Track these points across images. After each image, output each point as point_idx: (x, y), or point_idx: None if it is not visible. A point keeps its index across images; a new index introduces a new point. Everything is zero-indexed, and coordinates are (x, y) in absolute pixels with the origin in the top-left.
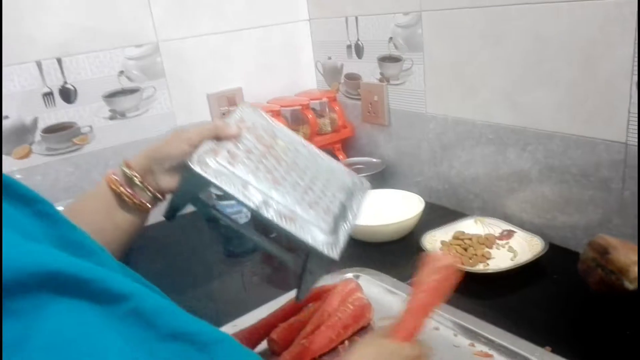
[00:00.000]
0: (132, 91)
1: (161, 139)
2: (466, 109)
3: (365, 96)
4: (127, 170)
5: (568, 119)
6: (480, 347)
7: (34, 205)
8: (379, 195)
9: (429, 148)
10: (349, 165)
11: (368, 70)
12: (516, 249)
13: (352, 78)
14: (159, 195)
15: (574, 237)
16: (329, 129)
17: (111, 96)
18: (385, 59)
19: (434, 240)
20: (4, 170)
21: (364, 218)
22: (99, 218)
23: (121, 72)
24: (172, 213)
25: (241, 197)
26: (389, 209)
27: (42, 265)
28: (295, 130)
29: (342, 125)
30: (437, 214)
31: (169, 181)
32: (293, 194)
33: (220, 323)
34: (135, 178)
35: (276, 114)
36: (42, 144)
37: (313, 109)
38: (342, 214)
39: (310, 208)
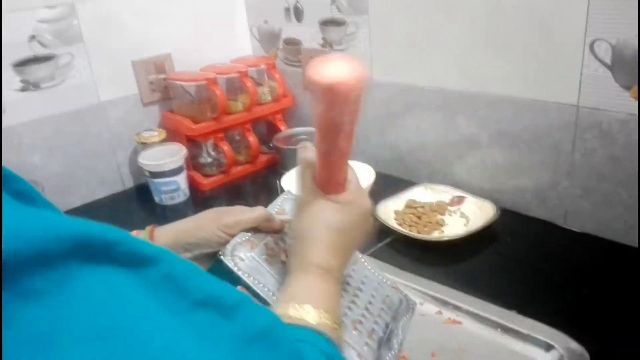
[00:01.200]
0: (46, 59)
1: (195, 218)
2: (414, 75)
3: (307, 63)
4: None
5: (519, 84)
6: (448, 314)
7: (11, 184)
8: None
9: (375, 116)
10: (291, 135)
11: (309, 35)
12: (468, 214)
13: (292, 43)
14: None
15: (524, 200)
16: (269, 98)
17: (22, 65)
18: (328, 23)
19: (387, 209)
20: None
21: None
22: None
23: (32, 37)
24: None
25: (275, 304)
26: None
27: (66, 231)
28: (233, 100)
29: (282, 94)
30: (386, 183)
31: None
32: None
33: None
34: None
35: (212, 82)
36: None
37: (251, 77)
38: (387, 339)
39: (353, 328)
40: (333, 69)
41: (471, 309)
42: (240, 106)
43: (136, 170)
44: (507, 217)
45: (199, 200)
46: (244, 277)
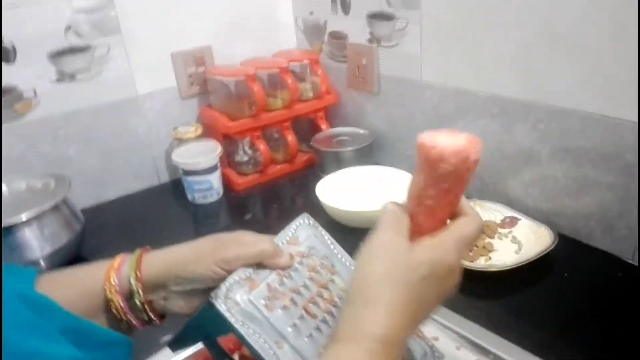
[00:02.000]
0: (82, 50)
1: (191, 246)
2: (468, 77)
3: (352, 59)
4: (132, 282)
5: (589, 95)
6: None
7: None
8: (364, 172)
9: (424, 120)
10: (332, 136)
11: (356, 29)
12: (520, 239)
13: (338, 37)
14: (155, 320)
15: (587, 227)
16: (310, 95)
17: (57, 55)
18: (376, 17)
19: None
20: None
21: (346, 200)
22: (71, 307)
23: (68, 28)
24: (178, 344)
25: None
26: (375, 189)
27: None
28: (273, 96)
29: (325, 91)
30: None
31: (182, 306)
32: None
33: None
34: (137, 295)
35: (250, 78)
36: None
37: (292, 72)
38: None
39: None
40: (458, 141)
41: None
42: (279, 103)
43: (172, 164)
44: (565, 245)
45: (233, 200)
46: (237, 326)
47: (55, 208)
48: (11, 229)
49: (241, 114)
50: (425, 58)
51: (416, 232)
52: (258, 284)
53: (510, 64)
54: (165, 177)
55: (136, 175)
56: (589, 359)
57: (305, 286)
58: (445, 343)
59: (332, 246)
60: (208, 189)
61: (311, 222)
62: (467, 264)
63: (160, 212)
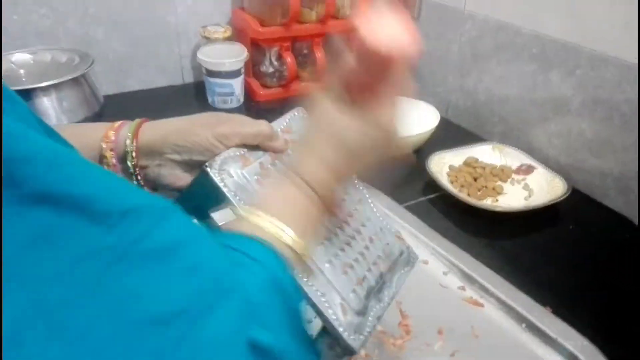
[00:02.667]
0: None
1: (191, 117)
2: (513, 11)
3: None
4: (127, 143)
5: (631, 43)
6: (472, 293)
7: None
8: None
9: (459, 54)
10: None
11: None
12: (533, 187)
13: None
14: (145, 189)
15: (602, 185)
16: (347, 12)
17: None
18: None
19: (442, 162)
20: None
21: None
22: None
23: None
24: None
25: None
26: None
27: None
28: (309, 8)
29: (362, 9)
30: (451, 133)
31: (177, 178)
32: (326, 245)
33: None
34: (129, 157)
35: None
36: None
37: None
38: (377, 290)
39: (343, 272)
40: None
41: (499, 293)
42: (314, 16)
43: (197, 65)
44: (577, 199)
45: (252, 109)
46: (230, 195)
47: (75, 82)
48: (30, 94)
49: (273, 21)
50: None
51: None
52: (251, 162)
53: (558, 1)
54: (189, 78)
55: (162, 70)
56: (571, 310)
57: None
58: (433, 266)
59: None
60: (229, 93)
61: (305, 115)
62: (472, 200)
63: (178, 110)
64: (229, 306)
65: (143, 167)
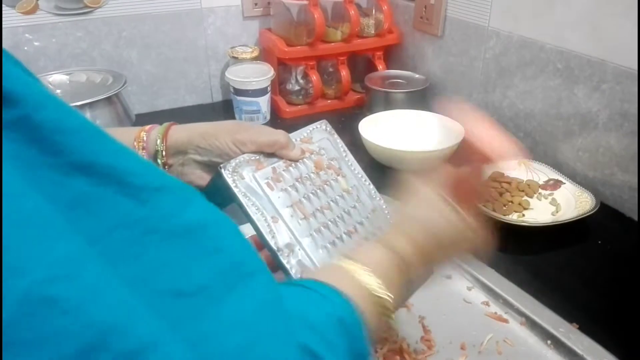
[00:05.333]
0: None
1: (214, 123)
2: (536, 28)
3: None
4: (158, 142)
5: None
6: (496, 309)
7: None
8: (414, 116)
9: (484, 70)
10: (386, 77)
11: None
12: (560, 202)
13: None
14: None
15: (631, 199)
16: (372, 31)
17: None
18: None
19: None
20: (8, 24)
21: (392, 141)
22: None
23: None
24: None
25: (264, 231)
26: (424, 135)
27: None
28: (334, 27)
29: (388, 29)
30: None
31: (197, 177)
32: (331, 252)
33: None
34: (160, 155)
35: (313, 3)
36: (51, 0)
37: (357, 5)
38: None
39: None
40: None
41: (524, 309)
42: (339, 35)
43: (226, 84)
44: (605, 214)
45: (278, 126)
46: (240, 196)
47: (109, 101)
48: None
49: (299, 41)
50: (496, 2)
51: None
52: (265, 166)
53: (582, 17)
54: (218, 97)
55: (191, 89)
56: (598, 327)
57: (309, 178)
58: (457, 282)
59: (344, 153)
60: (256, 111)
61: (328, 128)
62: (497, 215)
63: None
64: (249, 289)
65: (169, 165)
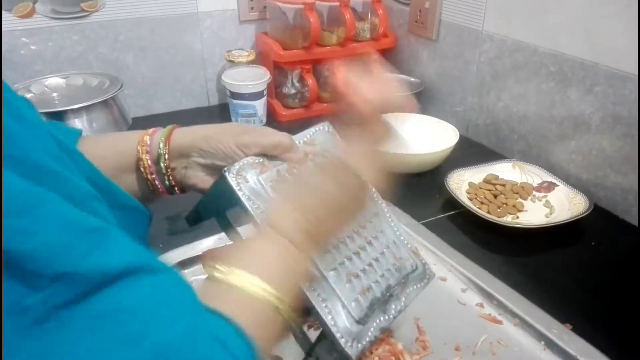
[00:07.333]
0: None
1: (217, 126)
2: (530, 31)
3: (416, 1)
4: (161, 146)
5: None
6: (490, 310)
7: None
8: (408, 119)
9: (478, 74)
10: None
11: None
12: (554, 204)
13: None
14: (175, 189)
15: (624, 201)
16: (367, 35)
17: None
18: None
19: (462, 180)
20: (4, 28)
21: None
22: (105, 161)
23: None
24: (194, 219)
25: None
26: (418, 138)
27: None
28: (329, 31)
29: (383, 33)
30: (471, 151)
31: (200, 180)
32: (333, 253)
33: None
34: (163, 159)
35: (309, 7)
36: (47, 4)
37: (353, 9)
38: (383, 302)
39: (347, 280)
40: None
41: (518, 310)
42: (334, 39)
43: (222, 88)
44: (598, 216)
45: (274, 129)
46: (244, 199)
47: (105, 104)
48: (62, 115)
49: (295, 45)
50: (490, 6)
51: None
52: (269, 168)
53: (574, 20)
54: (214, 100)
55: (188, 92)
56: (592, 327)
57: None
58: (452, 284)
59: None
60: (252, 114)
61: (331, 130)
62: (492, 217)
63: None
64: None
65: (172, 169)
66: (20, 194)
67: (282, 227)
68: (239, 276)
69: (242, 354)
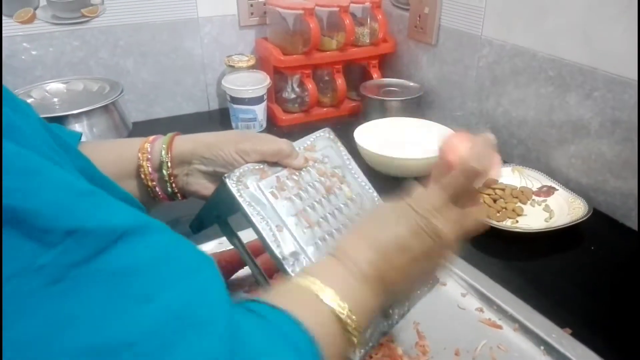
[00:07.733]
0: None
1: (217, 134)
2: (529, 36)
3: (416, 6)
4: (163, 154)
5: None
6: (490, 315)
7: None
8: (409, 124)
9: (477, 78)
10: (381, 85)
11: None
12: (553, 208)
13: None
14: (177, 195)
15: (623, 206)
16: (367, 40)
17: None
18: None
19: None
20: (5, 33)
21: (388, 148)
22: (104, 167)
23: None
24: (198, 226)
25: (269, 240)
26: (418, 142)
27: None
28: (329, 37)
29: (382, 38)
30: None
31: (201, 186)
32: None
33: None
34: (165, 166)
35: (308, 13)
36: (48, 10)
37: (352, 14)
38: (387, 306)
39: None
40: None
41: (518, 315)
42: (334, 44)
43: (222, 92)
44: (598, 221)
45: (274, 134)
46: (244, 205)
47: (106, 109)
48: (63, 121)
49: (294, 50)
50: (490, 12)
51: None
52: (269, 175)
53: (573, 25)
54: (215, 105)
55: (188, 97)
56: (591, 332)
57: (313, 186)
58: (452, 289)
59: (347, 161)
60: (252, 119)
61: (331, 136)
62: (493, 222)
63: None
64: (194, 347)
65: (174, 176)
66: (17, 156)
67: (356, 259)
68: (317, 286)
69: (305, 346)
